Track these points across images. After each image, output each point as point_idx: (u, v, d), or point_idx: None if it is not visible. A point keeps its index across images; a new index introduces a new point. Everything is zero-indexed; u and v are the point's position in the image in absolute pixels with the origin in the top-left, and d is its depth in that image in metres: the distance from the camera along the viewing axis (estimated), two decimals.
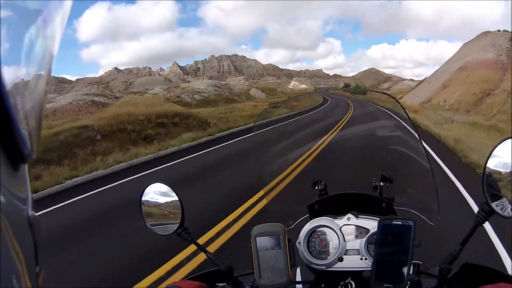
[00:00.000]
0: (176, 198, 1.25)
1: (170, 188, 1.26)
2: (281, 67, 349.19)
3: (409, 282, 1.05)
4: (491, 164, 0.99)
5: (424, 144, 1.46)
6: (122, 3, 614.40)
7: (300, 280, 1.27)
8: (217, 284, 1.21)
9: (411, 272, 1.07)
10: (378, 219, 1.18)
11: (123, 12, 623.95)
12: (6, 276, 0.30)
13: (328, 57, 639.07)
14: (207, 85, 56.45)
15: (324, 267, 1.22)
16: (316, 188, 1.46)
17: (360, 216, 1.26)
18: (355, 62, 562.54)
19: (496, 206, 0.98)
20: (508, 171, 0.98)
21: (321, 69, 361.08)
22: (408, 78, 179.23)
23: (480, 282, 1.02)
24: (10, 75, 0.31)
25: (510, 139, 0.97)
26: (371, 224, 1.21)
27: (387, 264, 1.07)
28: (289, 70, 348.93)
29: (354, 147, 2.26)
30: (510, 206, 0.96)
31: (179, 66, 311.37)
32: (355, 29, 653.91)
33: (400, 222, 1.08)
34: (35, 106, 0.38)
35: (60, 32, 0.40)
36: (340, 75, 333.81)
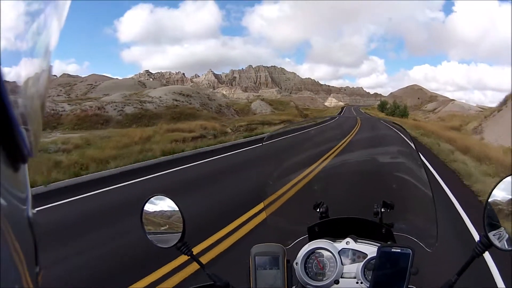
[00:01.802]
0: (178, 211, 1.22)
1: (172, 201, 1.23)
2: (321, 82, 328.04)
3: None
4: (493, 199, 1.01)
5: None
6: (165, 7, 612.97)
7: None
8: None
9: None
10: (377, 244, 1.21)
11: (166, 16, 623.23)
12: (6, 276, 0.29)
13: (370, 76, 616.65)
14: (167, 91, 40.63)
15: None
16: (318, 210, 1.47)
17: (359, 240, 1.25)
18: (397, 82, 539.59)
19: (494, 235, 0.99)
20: (508, 206, 1.00)
21: (361, 87, 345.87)
22: (457, 100, 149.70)
23: None
24: (10, 75, 0.31)
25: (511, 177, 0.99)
26: (370, 249, 1.21)
27: None
28: (328, 86, 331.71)
29: (358, 171, 2.29)
30: (507, 236, 0.98)
31: (214, 74, 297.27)
32: (398, 48, 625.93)
33: (399, 250, 1.07)
34: (35, 106, 0.37)
35: (58, 32, 0.39)
36: (380, 94, 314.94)
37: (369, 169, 2.22)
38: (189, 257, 1.23)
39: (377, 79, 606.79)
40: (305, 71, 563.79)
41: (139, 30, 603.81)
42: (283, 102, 76.45)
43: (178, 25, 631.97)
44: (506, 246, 0.98)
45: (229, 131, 24.96)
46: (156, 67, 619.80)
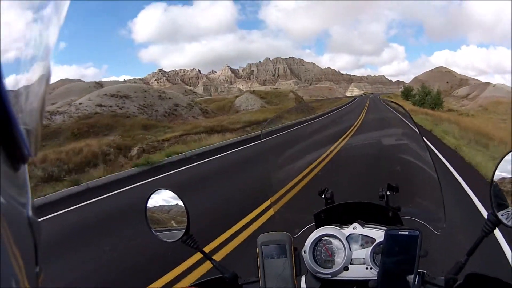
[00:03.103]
0: (182, 204, 1.21)
1: (175, 195, 1.21)
2: (343, 72, 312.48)
3: None
4: (499, 175, 0.98)
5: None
6: (178, 5, 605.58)
7: None
8: None
9: (416, 282, 1.04)
10: (384, 228, 1.16)
11: (180, 13, 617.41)
12: (6, 277, 0.29)
13: (392, 63, 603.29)
14: (96, 95, 29.48)
15: (330, 276, 1.18)
16: (323, 196, 1.42)
17: (366, 225, 1.23)
18: (419, 69, 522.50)
19: (502, 215, 0.96)
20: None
21: (383, 75, 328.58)
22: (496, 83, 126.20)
23: None
24: (10, 75, 0.31)
25: None
26: (377, 233, 1.18)
27: (393, 274, 1.04)
28: (349, 75, 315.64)
29: (362, 155, 2.25)
30: None
31: (230, 68, 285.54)
32: (418, 33, 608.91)
33: (407, 232, 1.04)
34: (35, 106, 0.37)
35: (57, 33, 0.39)
36: (403, 81, 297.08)
37: (373, 152, 2.06)
38: (196, 250, 1.19)
39: (398, 67, 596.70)
40: (326, 61, 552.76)
41: (155, 29, 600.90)
42: (280, 94, 61.69)
43: (193, 22, 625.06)
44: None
45: (135, 152, 14.78)
46: (176, 65, 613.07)
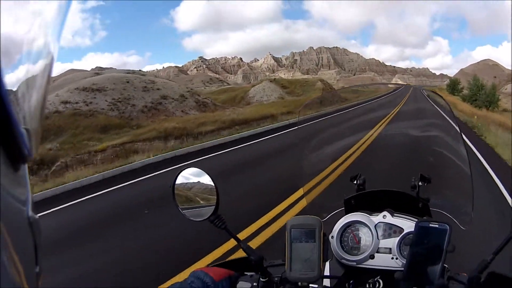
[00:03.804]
0: (212, 183, 1.16)
1: (205, 173, 1.17)
2: (387, 63, 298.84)
3: (438, 286, 1.00)
4: None
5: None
6: None
7: (329, 274, 1.26)
8: (245, 273, 1.17)
9: (441, 277, 1.02)
10: (413, 219, 1.17)
11: (224, 2, 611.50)
12: (6, 276, 0.29)
13: (436, 56, 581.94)
14: (67, 89, 24.25)
15: (355, 263, 1.17)
16: (355, 182, 1.41)
17: (395, 214, 1.21)
18: (462, 63, 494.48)
19: None
20: None
21: (427, 68, 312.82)
22: None
23: None
24: (10, 75, 0.31)
25: None
26: (406, 223, 1.17)
27: (419, 266, 1.02)
28: (394, 67, 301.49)
29: (397, 144, 2.27)
30: None
31: (273, 57, 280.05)
32: (461, 27, 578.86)
33: (437, 226, 1.02)
34: (35, 106, 0.37)
35: (60, 32, 0.39)
36: (446, 74, 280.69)
37: (407, 142, 2.13)
38: (223, 230, 1.15)
39: (442, 60, 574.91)
40: (371, 52, 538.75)
41: (198, 18, 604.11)
42: (306, 83, 51.13)
43: (237, 11, 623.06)
44: None
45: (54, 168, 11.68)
46: (219, 53, 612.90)
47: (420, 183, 1.31)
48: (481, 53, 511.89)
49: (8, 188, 0.32)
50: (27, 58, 0.34)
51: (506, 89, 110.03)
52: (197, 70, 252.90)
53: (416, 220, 1.10)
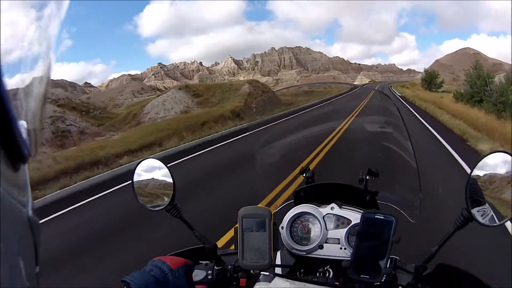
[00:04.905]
0: (169, 174, 1.22)
1: (163, 164, 1.22)
2: (352, 61, 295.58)
3: (385, 276, 1.05)
4: (478, 172, 0.99)
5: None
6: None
7: (280, 263, 1.28)
8: (200, 261, 1.21)
9: (388, 266, 1.06)
10: (360, 211, 1.22)
11: (186, 6, 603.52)
12: (6, 276, 0.29)
13: (402, 52, 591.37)
14: None
15: (305, 253, 1.22)
16: (304, 175, 1.47)
17: (343, 206, 1.26)
18: (429, 58, 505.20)
19: (478, 212, 0.98)
20: (493, 181, 0.99)
21: (394, 64, 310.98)
22: None
23: (453, 284, 1.07)
24: (10, 75, 0.31)
25: (500, 153, 0.98)
26: (354, 215, 1.22)
27: (366, 256, 1.05)
28: (359, 64, 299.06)
29: (345, 139, 2.46)
30: (491, 214, 0.98)
31: (234, 60, 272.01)
32: (429, 22, 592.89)
33: (382, 217, 1.05)
34: (35, 106, 0.37)
35: (57, 33, 0.38)
36: (414, 70, 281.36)
37: (356, 137, 2.20)
38: (179, 219, 1.20)
39: (409, 56, 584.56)
40: (336, 51, 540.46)
41: (161, 24, 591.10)
42: (230, 88, 38.10)
43: (200, 15, 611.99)
44: (488, 222, 0.97)
45: None
46: (185, 58, 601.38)
47: (367, 177, 1.36)
48: (448, 47, 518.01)
49: (8, 188, 0.31)
50: (27, 59, 0.34)
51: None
52: (155, 77, 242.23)
53: (363, 211, 1.11)
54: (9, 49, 0.31)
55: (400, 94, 44.49)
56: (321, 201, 1.29)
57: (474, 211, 0.98)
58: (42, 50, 0.36)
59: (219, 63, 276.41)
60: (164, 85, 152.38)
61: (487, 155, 0.98)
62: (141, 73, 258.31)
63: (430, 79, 58.04)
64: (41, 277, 0.38)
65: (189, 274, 1.16)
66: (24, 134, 0.33)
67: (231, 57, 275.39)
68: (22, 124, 0.33)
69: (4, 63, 0.29)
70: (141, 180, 1.22)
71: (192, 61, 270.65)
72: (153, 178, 1.22)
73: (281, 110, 20.18)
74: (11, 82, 0.30)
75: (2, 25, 0.30)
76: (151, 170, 1.22)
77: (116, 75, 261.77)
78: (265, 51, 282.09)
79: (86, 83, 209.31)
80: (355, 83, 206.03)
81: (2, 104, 0.29)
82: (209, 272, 1.17)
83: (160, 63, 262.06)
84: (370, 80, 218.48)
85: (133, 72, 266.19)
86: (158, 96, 36.81)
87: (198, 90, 36.60)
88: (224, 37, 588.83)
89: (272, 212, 1.12)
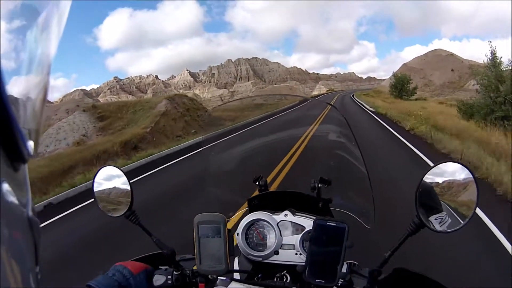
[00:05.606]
0: (127, 182, 1.23)
1: (122, 172, 1.25)
2: (310, 71, 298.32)
3: (341, 280, 1.08)
4: (427, 182, 1.02)
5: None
6: (143, 9, 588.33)
7: (238, 268, 1.32)
8: (160, 267, 1.23)
9: (343, 271, 1.10)
10: (313, 217, 1.24)
11: (145, 18, 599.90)
12: (6, 277, 0.29)
13: (362, 61, 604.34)
14: None
15: (261, 258, 1.26)
16: (257, 183, 1.50)
17: (297, 213, 1.30)
18: (389, 65, 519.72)
19: (435, 219, 1.01)
20: (442, 190, 1.02)
21: (353, 72, 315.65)
22: None
23: (409, 287, 1.11)
24: (10, 76, 0.31)
25: (450, 163, 1.02)
26: (307, 222, 1.26)
27: (320, 261, 1.08)
28: (317, 74, 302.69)
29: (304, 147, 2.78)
30: (449, 221, 1.00)
31: (190, 73, 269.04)
32: (388, 29, 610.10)
33: (334, 224, 1.08)
34: (35, 106, 0.37)
35: (58, 34, 0.39)
36: (374, 77, 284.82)
37: (309, 146, 2.31)
38: (138, 225, 1.22)
39: (368, 64, 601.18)
40: (294, 61, 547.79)
41: (120, 36, 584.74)
42: (145, 105, 29.41)
43: (158, 27, 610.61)
44: (441, 228, 1.00)
45: None
46: (143, 72, 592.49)
47: (320, 185, 1.38)
48: (409, 53, 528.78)
49: (8, 188, 0.31)
50: (27, 60, 0.34)
51: (473, 84, 75.18)
52: (110, 92, 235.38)
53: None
54: (10, 50, 0.31)
55: (368, 107, 32.78)
56: (275, 209, 1.32)
57: (432, 218, 1.00)
58: (41, 52, 0.36)
59: (175, 76, 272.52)
60: (119, 99, 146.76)
61: (438, 164, 1.01)
62: (97, 87, 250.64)
63: (401, 85, 49.39)
64: (40, 277, 0.38)
65: (149, 279, 1.18)
66: (24, 134, 0.33)
67: (187, 70, 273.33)
68: (22, 124, 0.33)
69: (4, 64, 0.29)
70: (101, 187, 1.24)
71: (148, 74, 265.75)
72: (112, 186, 1.24)
73: (193, 137, 18.02)
74: (11, 83, 0.31)
75: (2, 27, 0.30)
76: (110, 178, 1.24)
77: (87, 88, 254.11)
78: (221, 63, 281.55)
79: None
80: (313, 93, 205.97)
81: (2, 105, 0.29)
82: (169, 277, 1.19)
83: (116, 77, 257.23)
84: (328, 89, 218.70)
85: (95, 86, 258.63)
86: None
87: (107, 111, 31.01)
88: (182, 49, 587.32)
89: (226, 219, 1.15)
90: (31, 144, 0.35)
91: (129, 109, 30.38)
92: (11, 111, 0.30)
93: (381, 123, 18.49)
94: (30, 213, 0.37)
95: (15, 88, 0.32)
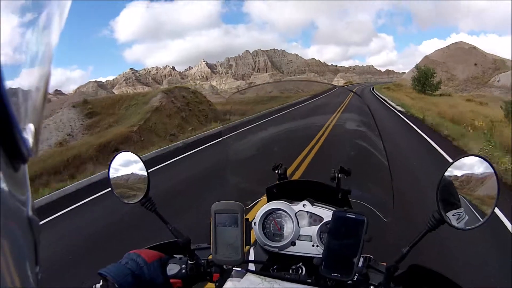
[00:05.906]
0: (144, 168, 1.21)
1: (138, 158, 1.22)
2: (329, 63, 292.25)
3: (357, 274, 1.05)
4: (449, 176, 0.98)
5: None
6: (161, 0, 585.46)
7: (254, 259, 1.28)
8: (174, 255, 1.21)
9: (360, 265, 1.07)
10: (333, 209, 1.21)
11: (162, 10, 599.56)
12: (6, 277, 0.29)
13: (380, 53, 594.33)
14: None
15: (277, 249, 1.22)
16: (276, 172, 1.45)
17: (315, 204, 1.26)
18: (408, 58, 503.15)
19: (448, 214, 0.98)
20: (465, 184, 0.99)
21: (372, 65, 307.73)
22: None
23: (424, 285, 1.08)
24: (10, 76, 0.31)
25: (472, 156, 0.98)
26: (326, 213, 1.22)
27: (337, 254, 1.06)
28: (336, 66, 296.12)
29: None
30: (467, 218, 0.97)
31: (207, 64, 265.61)
32: (407, 22, 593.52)
33: (353, 216, 1.06)
34: (35, 106, 0.37)
35: (58, 32, 0.38)
36: (393, 70, 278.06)
37: (332, 134, 2.31)
38: (153, 213, 1.19)
39: (387, 57, 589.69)
40: (313, 53, 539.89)
41: (137, 28, 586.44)
42: (140, 99, 25.57)
43: (175, 18, 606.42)
44: (459, 225, 0.97)
45: None
46: (161, 63, 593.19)
47: (340, 175, 1.33)
48: (428, 47, 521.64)
49: (8, 188, 0.31)
50: (27, 59, 0.34)
51: (498, 80, 73.28)
52: (126, 83, 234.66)
53: (335, 209, 1.12)
54: (10, 49, 0.31)
55: (394, 105, 26.07)
56: (294, 198, 1.28)
57: (450, 213, 0.97)
58: (42, 51, 0.36)
59: (192, 67, 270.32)
60: (134, 91, 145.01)
61: (460, 158, 0.97)
62: (113, 79, 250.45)
63: (425, 79, 44.70)
64: (41, 277, 0.38)
65: (163, 267, 1.16)
66: (24, 134, 0.33)
67: (204, 61, 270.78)
68: (22, 124, 0.33)
69: (4, 63, 0.29)
70: (117, 173, 1.21)
71: (165, 66, 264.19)
72: (128, 172, 1.22)
73: (185, 137, 15.77)
74: (11, 82, 0.30)
75: (2, 25, 0.30)
76: (127, 164, 1.22)
77: (103, 80, 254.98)
78: (239, 54, 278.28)
79: (56, 90, 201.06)
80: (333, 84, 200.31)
81: (2, 104, 0.29)
82: (183, 266, 1.17)
83: (132, 68, 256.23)
84: (346, 81, 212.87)
85: (111, 78, 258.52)
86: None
87: (98, 106, 27.27)
88: (200, 40, 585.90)
89: (244, 208, 1.12)
90: (31, 143, 0.35)
91: (124, 104, 26.76)
92: (11, 110, 0.30)
93: (426, 139, 11.25)
94: (30, 212, 0.36)
95: (15, 87, 0.32)
